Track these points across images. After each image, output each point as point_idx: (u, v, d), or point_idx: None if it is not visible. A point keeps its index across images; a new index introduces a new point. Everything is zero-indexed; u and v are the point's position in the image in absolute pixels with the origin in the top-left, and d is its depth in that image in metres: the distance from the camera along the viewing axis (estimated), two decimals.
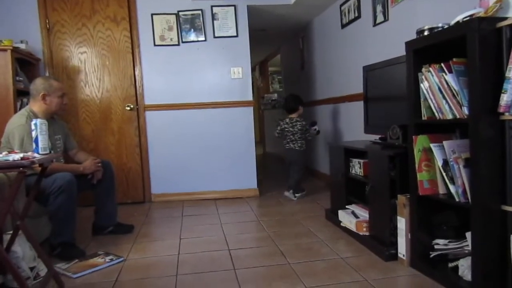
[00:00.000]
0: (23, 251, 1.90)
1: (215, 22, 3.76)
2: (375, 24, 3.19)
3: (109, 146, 3.75)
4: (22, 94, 3.03)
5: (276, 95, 7.81)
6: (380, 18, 3.10)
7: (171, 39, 3.74)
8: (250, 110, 3.89)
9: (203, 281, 1.97)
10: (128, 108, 3.74)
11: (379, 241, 2.22)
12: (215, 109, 3.83)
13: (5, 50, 2.87)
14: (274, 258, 2.22)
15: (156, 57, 3.75)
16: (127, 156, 3.78)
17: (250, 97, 3.89)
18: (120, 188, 3.56)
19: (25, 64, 3.27)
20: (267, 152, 8.08)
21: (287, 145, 3.78)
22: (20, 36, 3.30)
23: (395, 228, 2.09)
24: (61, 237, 2.34)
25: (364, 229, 2.39)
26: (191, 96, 3.81)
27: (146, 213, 3.42)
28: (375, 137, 2.63)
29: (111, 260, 2.24)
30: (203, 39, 3.77)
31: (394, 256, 2.09)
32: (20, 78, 3.07)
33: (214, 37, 3.78)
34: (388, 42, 2.98)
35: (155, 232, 2.90)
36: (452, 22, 1.71)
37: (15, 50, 2.97)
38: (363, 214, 2.47)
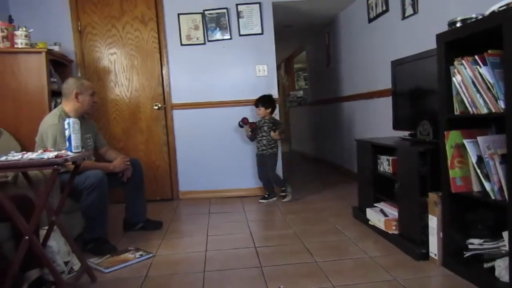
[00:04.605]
0: (58, 246, 1.98)
1: (240, 20, 3.77)
2: (404, 17, 3.11)
3: (138, 145, 3.83)
4: (56, 95, 3.13)
5: (301, 92, 7.78)
6: (409, 11, 3.02)
7: (197, 38, 3.78)
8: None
9: (230, 278, 1.98)
10: (156, 107, 3.81)
11: (409, 240, 2.16)
12: (241, 107, 3.83)
13: (40, 52, 2.98)
14: (300, 256, 2.21)
15: (182, 57, 3.80)
16: (155, 154, 3.85)
17: (275, 95, 3.87)
18: (149, 185, 3.62)
19: (58, 65, 3.38)
20: (292, 149, 8.04)
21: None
22: (54, 39, 3.42)
23: (426, 226, 2.03)
24: (93, 233, 2.42)
25: (394, 227, 2.33)
26: (217, 95, 3.84)
27: (174, 210, 3.49)
28: (404, 134, 2.57)
29: (141, 255, 2.30)
30: (229, 37, 3.78)
31: (425, 256, 2.03)
32: (54, 79, 3.18)
33: (240, 35, 3.78)
34: (418, 36, 2.89)
35: (183, 229, 2.95)
36: (487, 12, 1.64)
37: (49, 52, 3.07)
38: (392, 212, 2.42)
